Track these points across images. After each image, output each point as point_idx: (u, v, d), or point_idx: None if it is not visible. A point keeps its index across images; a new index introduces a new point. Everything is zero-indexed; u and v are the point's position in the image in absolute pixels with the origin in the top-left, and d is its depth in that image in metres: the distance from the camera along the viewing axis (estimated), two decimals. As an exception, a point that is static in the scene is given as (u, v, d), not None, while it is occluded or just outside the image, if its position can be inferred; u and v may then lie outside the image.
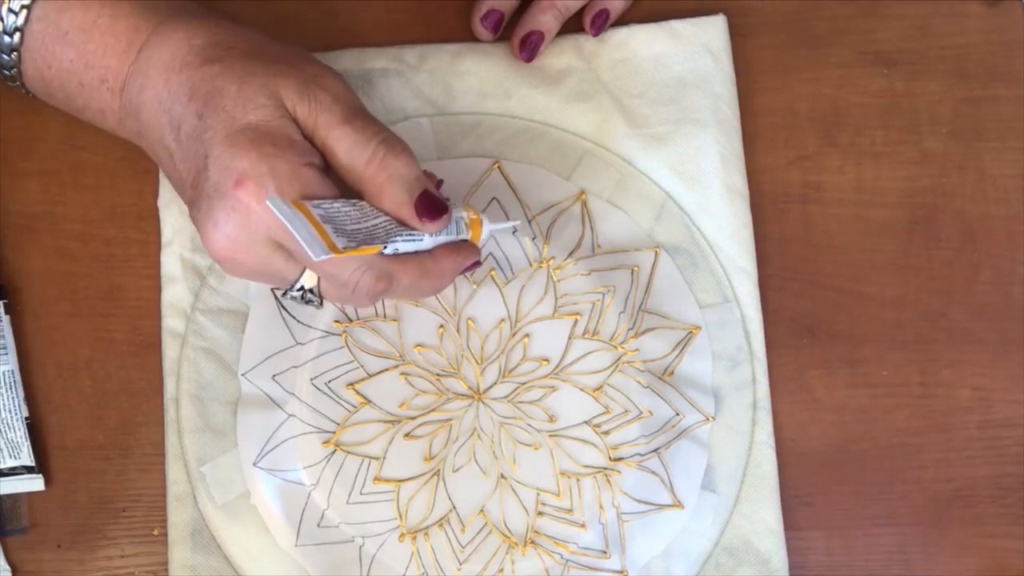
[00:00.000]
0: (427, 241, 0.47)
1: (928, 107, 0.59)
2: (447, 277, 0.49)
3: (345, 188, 0.47)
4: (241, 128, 0.44)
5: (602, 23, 0.57)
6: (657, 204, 0.57)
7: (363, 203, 0.46)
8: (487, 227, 0.50)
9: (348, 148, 0.45)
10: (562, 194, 0.57)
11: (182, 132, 0.45)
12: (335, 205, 0.45)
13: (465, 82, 0.58)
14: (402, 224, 0.46)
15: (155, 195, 0.56)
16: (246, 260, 0.46)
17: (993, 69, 0.59)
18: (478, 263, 0.50)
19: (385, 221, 0.46)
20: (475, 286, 0.55)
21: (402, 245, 0.46)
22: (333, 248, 0.42)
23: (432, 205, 0.46)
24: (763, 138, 0.59)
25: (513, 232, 0.55)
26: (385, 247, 0.45)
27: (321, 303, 0.48)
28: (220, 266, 0.47)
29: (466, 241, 0.50)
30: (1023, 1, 0.60)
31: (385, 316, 0.55)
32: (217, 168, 0.44)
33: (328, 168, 0.46)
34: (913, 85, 0.59)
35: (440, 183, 0.51)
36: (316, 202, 0.44)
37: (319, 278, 0.47)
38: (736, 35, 0.59)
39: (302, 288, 0.47)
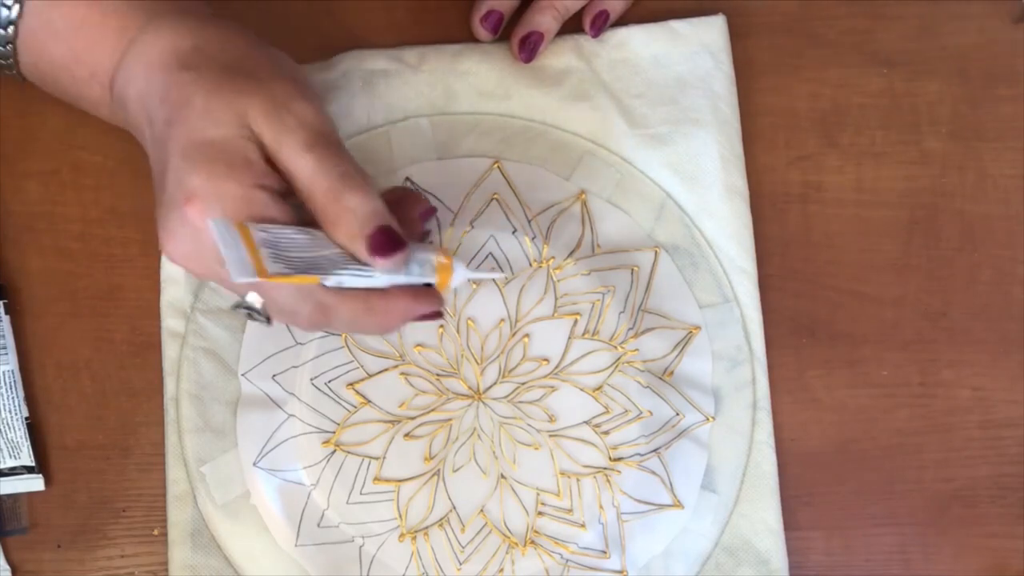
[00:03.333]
0: (381, 279, 0.45)
1: (928, 107, 0.59)
2: (395, 319, 0.46)
3: (308, 214, 0.45)
4: (199, 143, 0.44)
5: (602, 24, 0.57)
6: (657, 204, 0.57)
7: (319, 232, 0.45)
8: (461, 274, 0.47)
9: (308, 176, 0.44)
10: (562, 194, 0.57)
11: (155, 131, 0.45)
12: (285, 231, 0.43)
13: (465, 82, 0.58)
14: (354, 258, 0.45)
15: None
16: (197, 270, 0.46)
17: (993, 69, 0.59)
18: (438, 313, 0.47)
19: (337, 253, 0.44)
20: (475, 286, 0.55)
21: (348, 279, 0.44)
22: (261, 272, 0.41)
23: (385, 242, 0.44)
24: (763, 138, 0.59)
25: (495, 281, 0.54)
26: (327, 279, 0.43)
27: (269, 321, 0.47)
28: None
29: (430, 286, 0.47)
30: (1023, 1, 0.60)
31: (385, 316, 0.55)
32: (173, 180, 0.44)
33: (291, 192, 0.45)
34: (913, 85, 0.59)
35: (431, 212, 0.49)
36: (263, 225, 0.43)
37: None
38: (736, 35, 0.59)
39: (248, 305, 0.46)
